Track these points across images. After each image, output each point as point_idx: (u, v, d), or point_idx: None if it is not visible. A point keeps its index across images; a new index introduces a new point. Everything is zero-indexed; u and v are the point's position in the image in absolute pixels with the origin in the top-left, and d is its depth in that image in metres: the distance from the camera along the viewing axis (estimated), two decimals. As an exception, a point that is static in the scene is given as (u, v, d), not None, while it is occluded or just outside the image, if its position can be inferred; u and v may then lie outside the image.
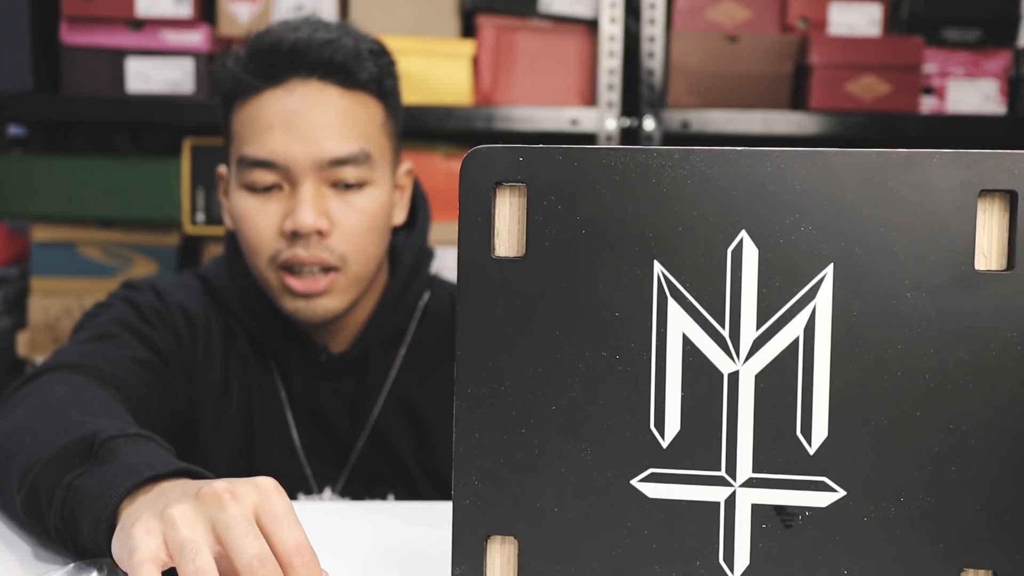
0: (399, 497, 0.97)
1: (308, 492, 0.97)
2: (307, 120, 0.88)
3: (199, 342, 0.95)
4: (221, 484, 0.54)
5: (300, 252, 0.88)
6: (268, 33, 0.91)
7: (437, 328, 0.99)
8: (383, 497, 0.98)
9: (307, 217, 0.87)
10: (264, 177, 0.89)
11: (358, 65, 0.90)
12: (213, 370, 0.95)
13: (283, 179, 0.89)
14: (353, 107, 0.90)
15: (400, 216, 0.99)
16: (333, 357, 0.96)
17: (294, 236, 0.88)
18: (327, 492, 0.97)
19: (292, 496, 0.96)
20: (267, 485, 0.55)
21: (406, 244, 0.99)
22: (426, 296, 1.01)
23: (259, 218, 0.89)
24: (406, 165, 0.99)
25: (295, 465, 0.96)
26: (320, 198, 0.89)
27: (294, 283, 0.89)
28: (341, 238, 0.89)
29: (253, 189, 0.89)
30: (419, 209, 1.02)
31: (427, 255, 1.01)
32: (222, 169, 0.97)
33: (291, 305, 0.91)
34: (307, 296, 0.90)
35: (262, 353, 0.97)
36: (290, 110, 0.88)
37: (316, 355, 0.96)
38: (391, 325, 0.98)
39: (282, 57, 0.88)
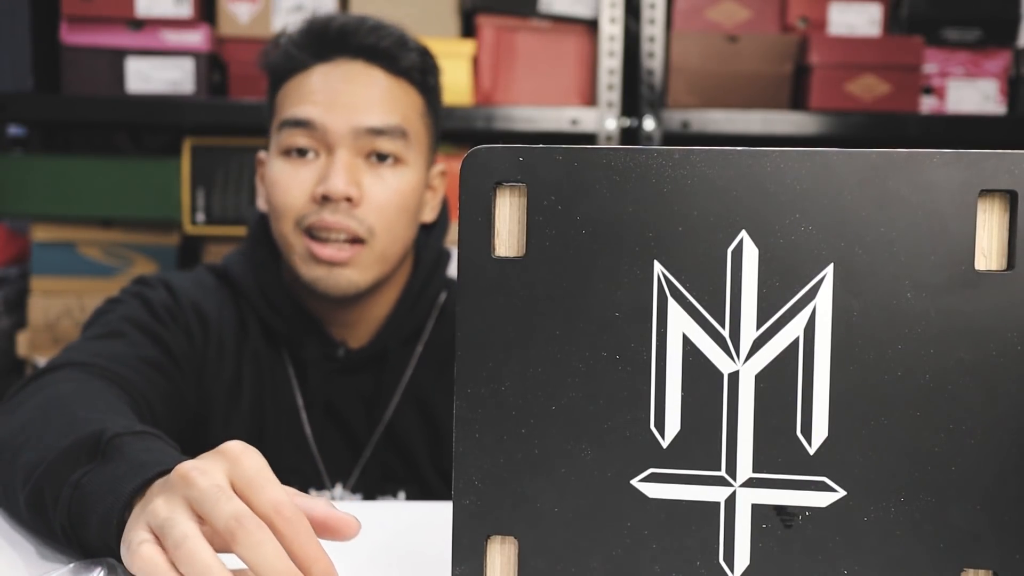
0: (410, 495, 0.98)
1: (320, 487, 0.97)
2: (349, 90, 0.91)
3: (211, 340, 0.95)
4: (187, 464, 0.53)
5: (327, 217, 0.89)
6: (322, 17, 0.95)
7: (454, 328, 1.00)
8: (394, 494, 0.98)
9: (339, 182, 0.88)
10: (301, 139, 0.91)
11: (402, 53, 0.93)
12: (225, 368, 0.95)
13: (319, 145, 0.91)
14: (395, 89, 0.93)
15: (430, 215, 1.00)
16: (351, 352, 0.96)
17: (324, 200, 0.89)
18: (338, 488, 0.97)
19: (303, 492, 0.96)
20: (234, 449, 0.54)
21: (426, 243, 1.00)
22: (443, 295, 1.01)
23: (292, 182, 0.91)
24: (440, 167, 1.01)
25: (308, 460, 0.96)
26: (354, 168, 0.90)
27: (319, 249, 0.90)
28: (370, 210, 0.90)
29: (289, 153, 0.91)
30: (440, 210, 1.03)
31: (445, 255, 1.02)
32: (261, 155, 0.99)
33: (313, 273, 0.91)
34: (330, 264, 0.90)
35: (277, 348, 0.97)
36: (334, 81, 0.92)
37: (334, 350, 0.96)
38: (410, 322, 0.98)
39: (332, 36, 0.93)
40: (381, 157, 0.91)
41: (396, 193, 0.92)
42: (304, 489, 0.96)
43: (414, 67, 0.94)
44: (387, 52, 0.93)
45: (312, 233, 0.90)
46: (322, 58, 0.92)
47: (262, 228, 0.98)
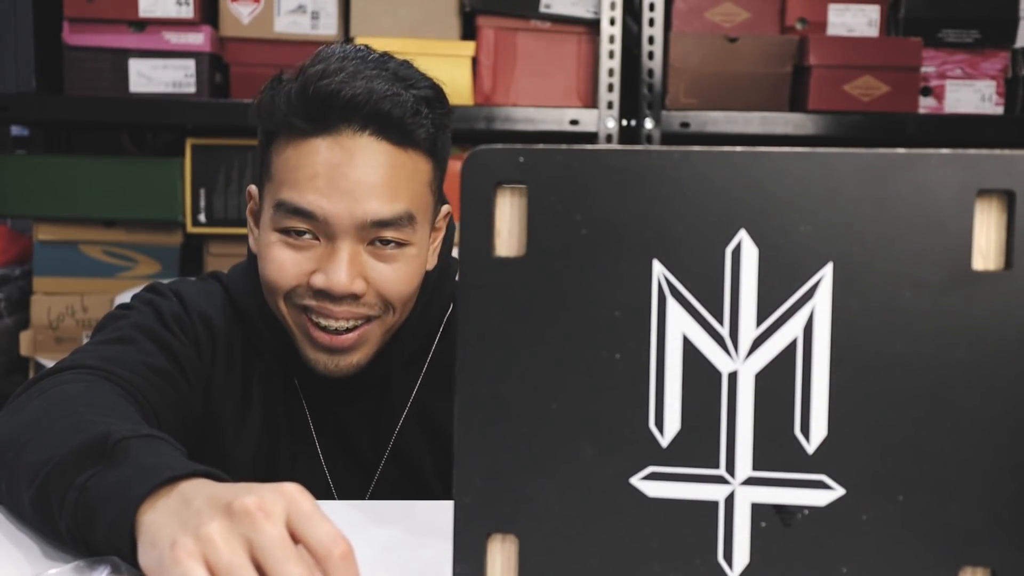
0: None
1: None
2: (353, 176, 0.83)
3: (219, 352, 0.94)
4: (251, 499, 0.53)
5: (331, 306, 0.85)
6: (322, 75, 0.84)
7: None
8: None
9: (342, 278, 0.83)
10: (300, 225, 0.85)
11: (415, 122, 0.85)
12: (233, 381, 0.94)
13: (319, 232, 0.85)
14: (403, 166, 0.86)
15: (432, 261, 0.95)
16: (354, 376, 0.94)
17: (321, 294, 0.85)
18: None
19: None
20: (291, 489, 0.55)
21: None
22: (450, 309, 0.99)
23: (287, 262, 0.86)
24: (445, 208, 0.96)
25: (320, 482, 0.96)
26: (357, 259, 0.85)
27: (320, 336, 0.87)
28: (378, 297, 0.87)
29: (287, 234, 0.86)
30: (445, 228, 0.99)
31: (451, 266, 0.99)
32: (252, 189, 0.94)
33: (312, 356, 0.89)
34: (331, 350, 0.88)
35: (286, 369, 0.96)
36: (336, 163, 0.83)
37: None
38: (413, 343, 0.96)
39: (338, 107, 0.83)
40: (385, 242, 0.86)
41: (403, 276, 0.87)
42: None
43: (427, 136, 0.87)
44: (398, 124, 0.84)
45: (309, 314, 0.87)
46: (324, 129, 0.84)
47: None
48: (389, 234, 0.86)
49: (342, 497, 0.96)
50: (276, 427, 0.96)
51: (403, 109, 0.84)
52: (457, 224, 1.02)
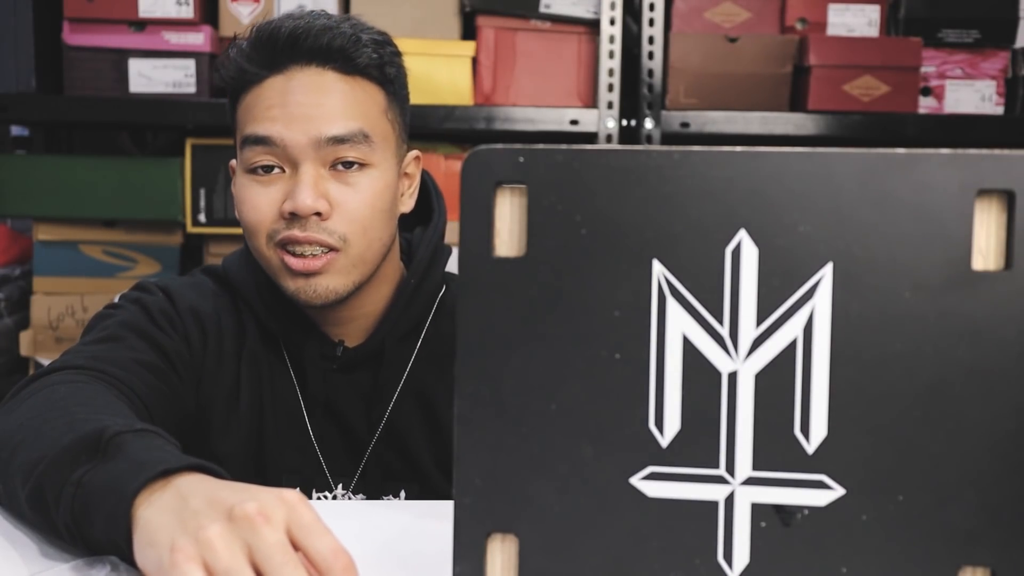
0: (411, 493, 0.98)
1: (323, 488, 0.97)
2: (306, 101, 0.89)
3: (210, 345, 0.95)
4: (251, 505, 0.54)
5: (297, 232, 0.88)
6: (269, 23, 0.92)
7: (452, 322, 1.00)
8: (396, 494, 0.98)
9: (306, 198, 0.87)
10: (264, 157, 0.89)
11: (356, 51, 0.91)
12: (224, 373, 0.95)
13: (283, 161, 0.90)
14: (352, 91, 0.91)
15: (408, 204, 0.99)
16: (349, 351, 0.97)
17: (293, 217, 0.89)
18: (339, 488, 0.98)
19: (307, 492, 0.96)
20: (292, 498, 0.55)
21: (422, 239, 1.00)
22: (442, 291, 1.01)
23: (259, 200, 0.90)
24: (413, 153, 1.00)
25: (311, 460, 0.97)
26: (320, 180, 0.89)
27: (292, 261, 0.89)
28: (341, 220, 0.90)
29: (254, 171, 0.90)
30: (435, 205, 1.02)
31: (444, 251, 1.01)
32: (233, 163, 0.99)
33: (292, 285, 0.91)
34: (306, 275, 0.90)
35: (276, 349, 0.97)
36: (289, 93, 0.89)
37: (332, 349, 0.96)
38: (407, 319, 0.98)
39: (281, 45, 0.90)
40: (347, 164, 0.90)
41: (366, 198, 0.90)
42: (307, 489, 0.97)
43: (371, 64, 0.92)
44: (340, 52, 0.90)
45: (286, 247, 0.90)
46: (275, 68, 0.90)
47: None
48: (348, 153, 0.90)
49: (333, 475, 0.97)
50: (264, 409, 0.96)
51: (343, 39, 0.90)
52: (453, 222, 1.04)
